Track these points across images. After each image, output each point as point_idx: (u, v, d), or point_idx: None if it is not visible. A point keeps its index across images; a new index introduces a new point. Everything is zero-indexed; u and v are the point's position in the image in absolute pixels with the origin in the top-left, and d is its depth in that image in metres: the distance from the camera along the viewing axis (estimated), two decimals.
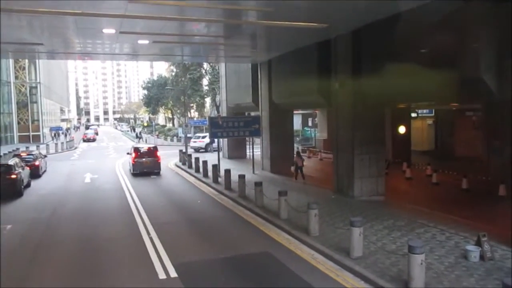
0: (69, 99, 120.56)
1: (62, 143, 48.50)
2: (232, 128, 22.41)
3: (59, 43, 17.89)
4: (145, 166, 24.44)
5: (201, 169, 23.38)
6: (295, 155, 22.47)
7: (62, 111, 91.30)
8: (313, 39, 17.50)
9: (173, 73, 58.49)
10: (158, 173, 24.77)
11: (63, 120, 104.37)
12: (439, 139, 29.90)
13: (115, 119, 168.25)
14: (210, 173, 21.65)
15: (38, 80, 55.59)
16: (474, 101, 14.22)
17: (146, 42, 16.77)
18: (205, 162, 22.94)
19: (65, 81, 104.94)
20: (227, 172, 19.22)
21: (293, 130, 26.12)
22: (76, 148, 49.58)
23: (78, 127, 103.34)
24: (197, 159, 24.99)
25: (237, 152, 30.85)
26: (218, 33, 16.25)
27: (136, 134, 65.20)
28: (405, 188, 19.45)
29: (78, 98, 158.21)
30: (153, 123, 64.26)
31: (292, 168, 21.68)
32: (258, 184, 15.39)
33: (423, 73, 12.30)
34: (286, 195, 13.50)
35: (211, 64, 51.33)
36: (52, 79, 69.94)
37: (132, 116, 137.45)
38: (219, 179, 20.68)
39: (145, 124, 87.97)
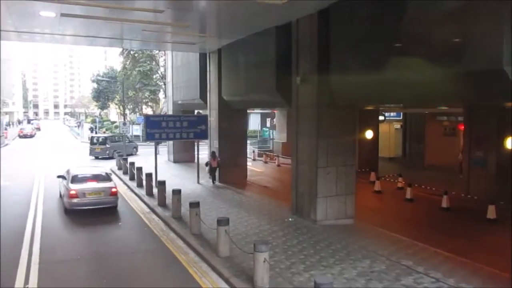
0: (12, 90, 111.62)
1: None
2: (173, 129, 18.69)
3: None
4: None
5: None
6: (210, 156, 19.96)
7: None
8: (270, 22, 14.12)
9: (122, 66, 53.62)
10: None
11: (3, 114, 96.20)
12: (407, 146, 27.34)
13: (65, 113, 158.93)
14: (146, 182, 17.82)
15: None
16: (489, 100, 11.05)
17: (52, 14, 12.70)
18: (139, 169, 19.03)
19: (5, 70, 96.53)
20: (161, 184, 15.46)
21: (247, 133, 22.65)
22: (6, 145, 43.98)
23: (21, 122, 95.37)
24: (132, 164, 21.01)
25: (184, 156, 27.02)
26: (159, 8, 12.35)
27: (91, 129, 62.43)
28: (376, 206, 16.41)
29: (25, 90, 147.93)
30: (97, 120, 58.90)
31: (207, 169, 19.88)
32: (194, 205, 11.77)
33: (416, 66, 9.14)
34: (228, 223, 9.98)
35: (161, 55, 47.10)
36: None
37: (82, 111, 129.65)
38: (154, 191, 16.88)
39: (88, 121, 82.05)
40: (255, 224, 12.65)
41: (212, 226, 10.80)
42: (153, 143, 19.38)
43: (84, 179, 14.82)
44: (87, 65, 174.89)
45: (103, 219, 13.97)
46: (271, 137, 38.93)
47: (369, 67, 10.54)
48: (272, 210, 14.66)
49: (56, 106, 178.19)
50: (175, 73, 26.81)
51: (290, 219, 13.28)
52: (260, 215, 13.83)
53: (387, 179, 20.79)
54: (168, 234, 12.24)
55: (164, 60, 49.45)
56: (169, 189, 16.51)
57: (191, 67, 23.36)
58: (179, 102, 26.30)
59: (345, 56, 11.59)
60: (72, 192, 14.03)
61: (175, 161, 27.16)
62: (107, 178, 15.47)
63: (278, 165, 27.28)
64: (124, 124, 25.08)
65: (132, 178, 20.43)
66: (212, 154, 19.93)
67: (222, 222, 9.89)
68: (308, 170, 13.04)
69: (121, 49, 47.99)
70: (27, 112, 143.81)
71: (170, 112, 27.42)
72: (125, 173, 22.35)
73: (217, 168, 19.74)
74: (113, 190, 14.75)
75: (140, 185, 18.71)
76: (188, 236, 11.54)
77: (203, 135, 19.46)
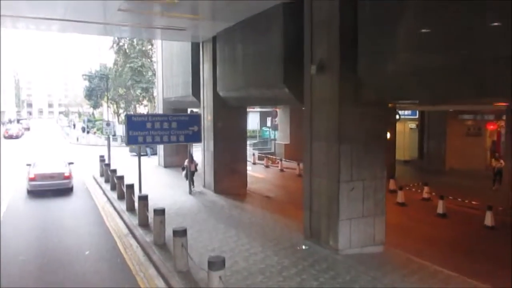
0: (1, 88, 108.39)
1: None
2: (160, 131, 15.83)
3: None
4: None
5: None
6: (187, 159, 17.74)
7: None
8: None
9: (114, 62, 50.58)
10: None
11: None
12: (425, 147, 24.52)
13: (60, 112, 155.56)
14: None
15: None
16: None
17: None
18: (120, 179, 16.14)
19: None
20: (143, 199, 12.57)
21: (246, 135, 19.76)
22: None
23: (12, 121, 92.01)
24: (113, 171, 18.12)
25: (175, 160, 24.03)
26: None
27: (82, 128, 59.95)
28: (404, 224, 13.55)
29: (18, 89, 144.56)
30: (85, 119, 55.94)
31: (183, 174, 18.41)
32: (179, 234, 8.91)
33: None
34: (223, 265, 7.15)
35: (154, 50, 44.10)
36: None
37: (76, 110, 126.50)
38: (136, 205, 13.99)
39: (78, 120, 79.12)
40: (259, 256, 9.81)
41: (203, 260, 7.98)
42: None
43: (43, 167, 18.26)
44: (81, 63, 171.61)
45: (69, 248, 11.11)
46: (271, 137, 36.16)
47: (422, 47, 7.71)
48: (279, 232, 11.81)
49: (50, 105, 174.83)
50: (165, 67, 23.92)
51: (303, 247, 10.44)
52: (264, 240, 11.00)
53: (410, 188, 17.99)
54: (147, 270, 9.39)
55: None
56: (155, 202, 13.90)
57: (183, 59, 20.48)
58: (170, 99, 23.42)
59: (380, 35, 8.71)
60: (31, 175, 17.58)
61: (166, 166, 24.26)
62: (63, 166, 18.76)
63: (281, 170, 24.43)
64: (108, 124, 22.07)
65: (114, 188, 17.55)
66: (190, 158, 17.64)
67: (216, 264, 7.05)
68: (326, 184, 10.21)
69: (111, 44, 45.06)
70: (20, 111, 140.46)
71: (161, 111, 24.52)
72: (107, 181, 19.46)
73: (194, 173, 17.96)
74: (66, 175, 18.06)
75: (121, 197, 15.84)
76: (171, 276, 8.69)
77: (196, 138, 16.60)
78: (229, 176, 17.22)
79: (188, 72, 19.69)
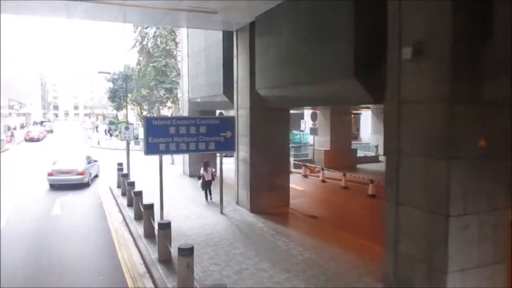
0: (29, 91, 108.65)
1: None
2: (186, 137, 13.01)
3: None
4: None
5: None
6: (202, 167, 16.00)
7: (10, 105, 79.70)
8: None
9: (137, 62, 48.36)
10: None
11: (19, 115, 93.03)
12: None
13: (85, 114, 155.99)
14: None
15: None
16: None
17: None
18: (138, 195, 13.33)
19: (21, 71, 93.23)
20: (164, 228, 9.66)
21: (289, 141, 16.66)
22: (5, 150, 39.22)
23: (39, 123, 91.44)
24: (131, 184, 15.35)
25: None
26: None
27: (105, 131, 59.95)
28: None
29: (44, 91, 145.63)
30: (108, 121, 54.07)
31: (199, 183, 16.33)
32: None
33: None
34: None
35: (179, 49, 41.61)
36: None
37: (101, 112, 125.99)
38: (156, 232, 11.14)
39: (102, 122, 77.57)
40: None
41: None
42: None
43: (61, 163, 20.27)
44: (106, 64, 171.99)
45: None
46: (302, 141, 33.08)
47: None
48: (346, 277, 8.73)
49: (76, 107, 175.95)
50: (191, 64, 21.15)
51: None
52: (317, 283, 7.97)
53: None
54: None
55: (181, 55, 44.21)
56: (179, 224, 11.17)
57: (212, 54, 17.65)
58: (197, 100, 20.62)
59: None
60: (49, 171, 19.61)
61: (191, 175, 21.47)
62: (79, 163, 20.41)
63: (323, 181, 21.26)
64: (126, 128, 19.40)
65: (131, 204, 14.81)
66: (205, 165, 15.87)
67: None
68: (424, 218, 7.09)
69: (133, 42, 42.82)
70: (46, 114, 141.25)
71: (186, 114, 21.75)
72: (124, 194, 16.75)
73: (211, 182, 16.08)
74: (79, 171, 19.64)
75: (139, 217, 13.06)
76: None
77: (229, 146, 13.69)
78: (268, 192, 14.26)
79: (218, 69, 16.85)
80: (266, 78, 13.09)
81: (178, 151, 13.30)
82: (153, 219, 11.45)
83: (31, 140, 49.81)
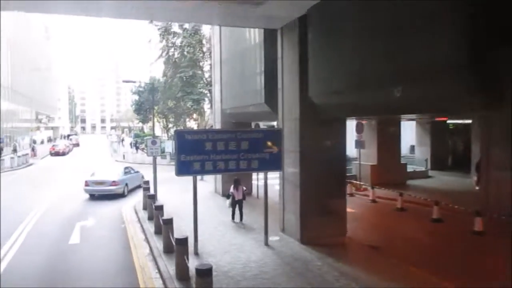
0: (56, 104, 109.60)
1: (12, 158, 37.13)
2: (225, 154, 10.86)
3: None
4: None
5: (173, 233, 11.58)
6: (232, 185, 14.40)
7: (38, 118, 79.85)
8: None
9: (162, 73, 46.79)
10: None
11: (47, 129, 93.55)
12: None
13: (112, 127, 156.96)
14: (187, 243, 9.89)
15: None
16: None
17: None
18: (168, 223, 11.13)
19: (49, 85, 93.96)
20: (203, 276, 7.38)
21: (346, 158, 14.17)
22: (29, 165, 38.08)
23: (65, 136, 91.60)
24: (159, 209, 13.18)
25: None
26: None
27: (131, 144, 59.31)
28: None
29: (73, 104, 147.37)
30: (133, 134, 52.71)
31: (228, 203, 14.63)
32: None
33: None
34: None
35: (206, 59, 39.89)
36: (20, 79, 58.78)
37: (127, 125, 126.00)
38: (193, 271, 8.88)
39: (127, 135, 76.62)
40: None
41: None
42: None
43: (97, 175, 21.13)
44: (132, 77, 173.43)
45: None
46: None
47: None
48: None
49: (103, 121, 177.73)
50: (225, 71, 19.09)
51: None
52: None
53: None
54: None
55: (210, 65, 42.38)
56: (218, 259, 9.10)
57: (250, 56, 15.53)
58: (231, 110, 18.49)
59: None
60: (85, 181, 20.38)
61: (224, 194, 19.23)
62: (115, 174, 21.07)
63: (374, 201, 18.68)
64: (153, 142, 17.40)
65: (159, 232, 12.67)
66: (235, 183, 14.28)
67: None
68: None
69: (159, 53, 41.29)
70: (74, 127, 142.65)
71: (218, 126, 19.62)
72: (151, 218, 14.65)
73: (242, 201, 14.38)
74: (113, 182, 20.10)
75: (168, 249, 10.89)
76: None
77: (275, 164, 11.43)
78: (321, 218, 11.85)
79: (257, 74, 14.72)
80: (324, 83, 10.79)
81: (215, 170, 11.11)
82: (187, 257, 9.22)
83: (57, 154, 48.84)
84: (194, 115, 57.07)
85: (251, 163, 11.15)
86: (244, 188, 14.74)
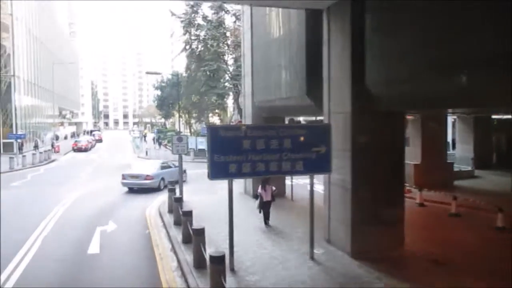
0: (80, 100, 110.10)
1: (34, 154, 36.45)
2: (266, 154, 9.26)
3: None
4: None
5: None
6: (260, 185, 13.18)
7: (61, 114, 79.91)
8: None
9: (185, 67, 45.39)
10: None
11: (71, 124, 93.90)
12: None
13: (134, 123, 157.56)
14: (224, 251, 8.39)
15: (12, 73, 43.79)
16: None
17: None
18: (199, 235, 9.59)
19: (73, 80, 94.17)
20: None
21: (404, 157, 12.31)
22: (52, 161, 37.39)
23: (88, 132, 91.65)
24: (187, 214, 11.68)
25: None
26: None
27: (154, 139, 58.82)
28: None
29: (96, 100, 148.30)
30: (156, 130, 51.77)
31: (256, 203, 13.49)
32: None
33: None
34: None
35: (230, 52, 38.39)
36: (44, 75, 58.55)
37: (149, 120, 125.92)
38: None
39: (149, 131, 75.87)
40: None
41: None
42: None
43: (133, 168, 23.02)
44: (155, 70, 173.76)
45: None
46: None
47: None
48: None
49: (125, 116, 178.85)
50: (256, 60, 17.48)
51: None
52: None
53: None
54: None
55: (234, 58, 40.83)
56: (257, 279, 7.56)
57: (289, 43, 13.87)
58: (261, 104, 16.87)
59: None
60: (122, 175, 21.24)
61: (254, 195, 17.66)
62: (150, 168, 22.07)
63: (421, 204, 16.79)
64: (179, 139, 15.98)
65: (187, 241, 11.20)
66: (263, 182, 13.01)
67: None
68: None
69: (183, 46, 39.90)
70: (97, 123, 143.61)
71: (249, 121, 18.03)
72: (177, 223, 13.21)
73: (271, 203, 13.30)
74: (147, 176, 20.70)
75: (200, 265, 9.39)
76: None
77: (323, 165, 9.78)
78: (375, 228, 10.15)
79: (298, 63, 13.05)
80: (386, 70, 9.06)
81: (254, 173, 9.50)
82: (225, 278, 7.67)
83: (79, 149, 48.29)
84: (217, 110, 55.72)
85: (296, 164, 9.53)
86: (274, 188, 13.37)
